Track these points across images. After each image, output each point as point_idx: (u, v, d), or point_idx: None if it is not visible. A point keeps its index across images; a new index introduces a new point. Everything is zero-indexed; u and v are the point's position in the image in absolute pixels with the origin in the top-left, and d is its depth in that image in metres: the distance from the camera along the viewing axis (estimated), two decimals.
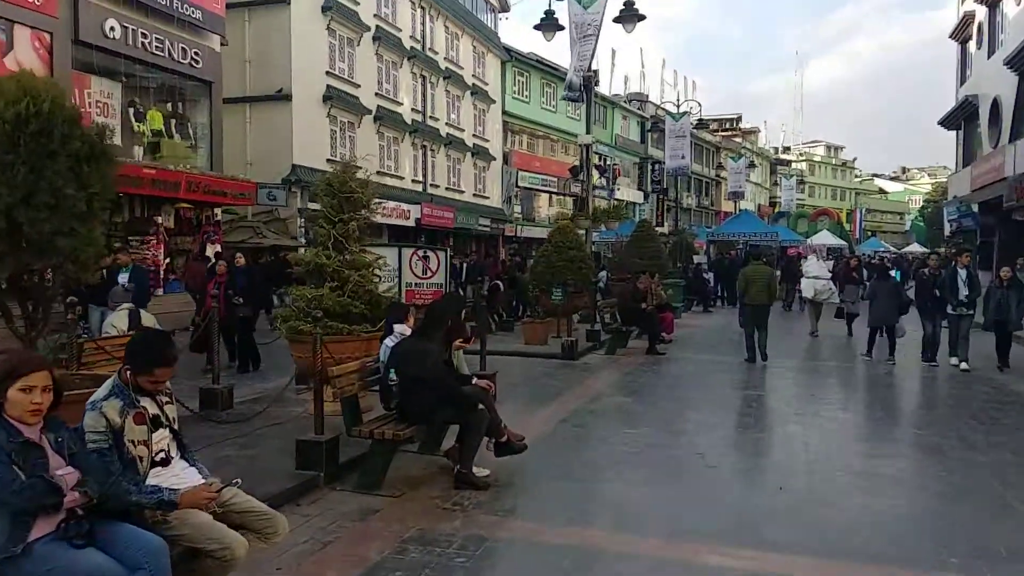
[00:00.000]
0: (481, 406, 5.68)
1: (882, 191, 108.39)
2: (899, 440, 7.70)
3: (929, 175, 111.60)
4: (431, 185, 31.44)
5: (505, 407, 6.78)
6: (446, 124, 32.50)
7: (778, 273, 20.02)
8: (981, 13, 24.77)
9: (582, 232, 15.47)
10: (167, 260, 16.71)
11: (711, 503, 5.50)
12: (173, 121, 17.70)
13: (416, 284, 9.28)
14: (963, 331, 11.68)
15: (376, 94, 27.29)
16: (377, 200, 8.20)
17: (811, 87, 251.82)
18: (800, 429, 7.89)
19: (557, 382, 10.32)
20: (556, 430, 7.64)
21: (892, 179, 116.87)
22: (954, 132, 29.56)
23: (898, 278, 20.15)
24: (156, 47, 16.11)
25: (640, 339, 13.88)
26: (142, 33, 15.74)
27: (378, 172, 28.02)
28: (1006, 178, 20.70)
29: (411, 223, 28.77)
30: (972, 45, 26.63)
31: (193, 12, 17.01)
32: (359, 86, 26.09)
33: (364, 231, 7.94)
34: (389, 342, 6.10)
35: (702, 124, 32.01)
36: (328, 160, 24.45)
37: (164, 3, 16.17)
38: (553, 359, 12.03)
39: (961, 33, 27.70)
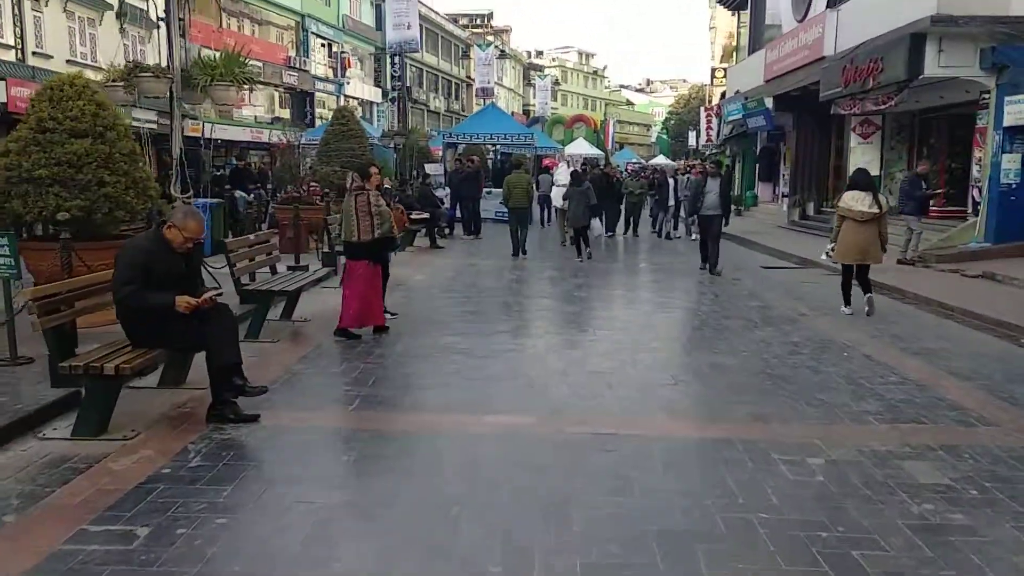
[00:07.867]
0: None
1: (629, 103, 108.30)
2: None
3: (671, 88, 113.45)
4: (35, 54, 20.79)
5: None
6: None
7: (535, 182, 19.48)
8: None
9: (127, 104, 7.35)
10: None
11: None
12: None
13: None
14: None
15: None
16: None
17: None
18: None
19: None
20: None
21: (638, 91, 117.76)
22: (735, 15, 24.52)
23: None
24: None
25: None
26: None
27: None
28: (824, 58, 15.46)
29: None
30: None
31: None
32: None
33: None
34: None
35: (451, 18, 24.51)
36: None
37: None
38: None
39: None
